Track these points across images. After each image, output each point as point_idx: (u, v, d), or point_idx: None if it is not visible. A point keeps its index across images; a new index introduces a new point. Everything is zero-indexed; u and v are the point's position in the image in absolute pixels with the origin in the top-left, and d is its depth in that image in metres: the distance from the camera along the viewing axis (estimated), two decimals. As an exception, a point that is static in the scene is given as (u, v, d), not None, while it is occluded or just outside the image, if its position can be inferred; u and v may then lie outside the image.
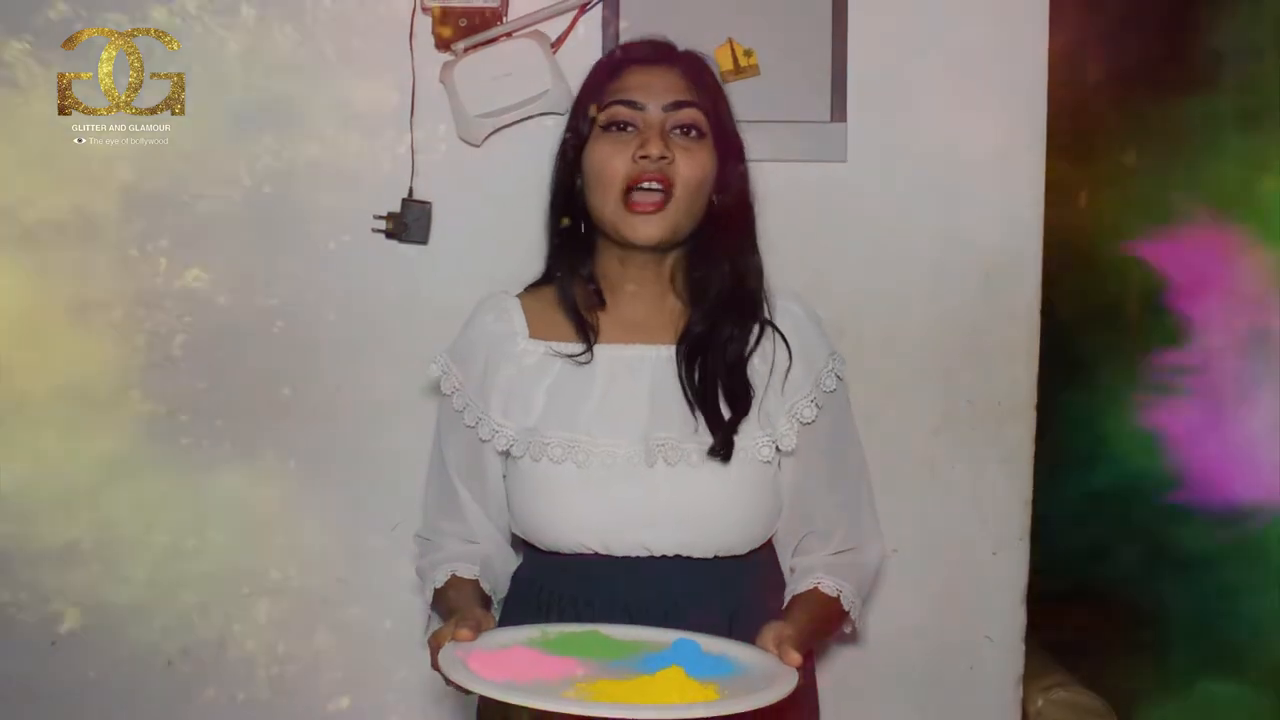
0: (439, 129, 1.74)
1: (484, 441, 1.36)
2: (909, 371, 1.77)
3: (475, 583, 1.35)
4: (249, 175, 1.77)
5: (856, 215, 1.76)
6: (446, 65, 1.72)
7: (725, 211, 1.38)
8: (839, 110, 1.73)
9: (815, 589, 1.33)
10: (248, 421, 1.79)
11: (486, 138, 1.74)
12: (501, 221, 1.74)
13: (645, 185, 1.31)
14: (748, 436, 1.31)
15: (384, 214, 1.75)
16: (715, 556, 1.32)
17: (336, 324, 1.78)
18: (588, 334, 1.36)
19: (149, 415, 1.79)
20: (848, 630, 1.41)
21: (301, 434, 1.79)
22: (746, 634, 1.21)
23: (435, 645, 1.16)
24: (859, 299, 1.75)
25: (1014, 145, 1.74)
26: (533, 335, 1.38)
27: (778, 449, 1.33)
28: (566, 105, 1.70)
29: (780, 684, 1.07)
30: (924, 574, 1.78)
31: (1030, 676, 1.87)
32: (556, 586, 1.34)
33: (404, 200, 1.75)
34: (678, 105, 1.33)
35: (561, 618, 1.30)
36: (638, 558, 1.30)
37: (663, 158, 1.30)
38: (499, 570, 1.42)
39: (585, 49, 1.70)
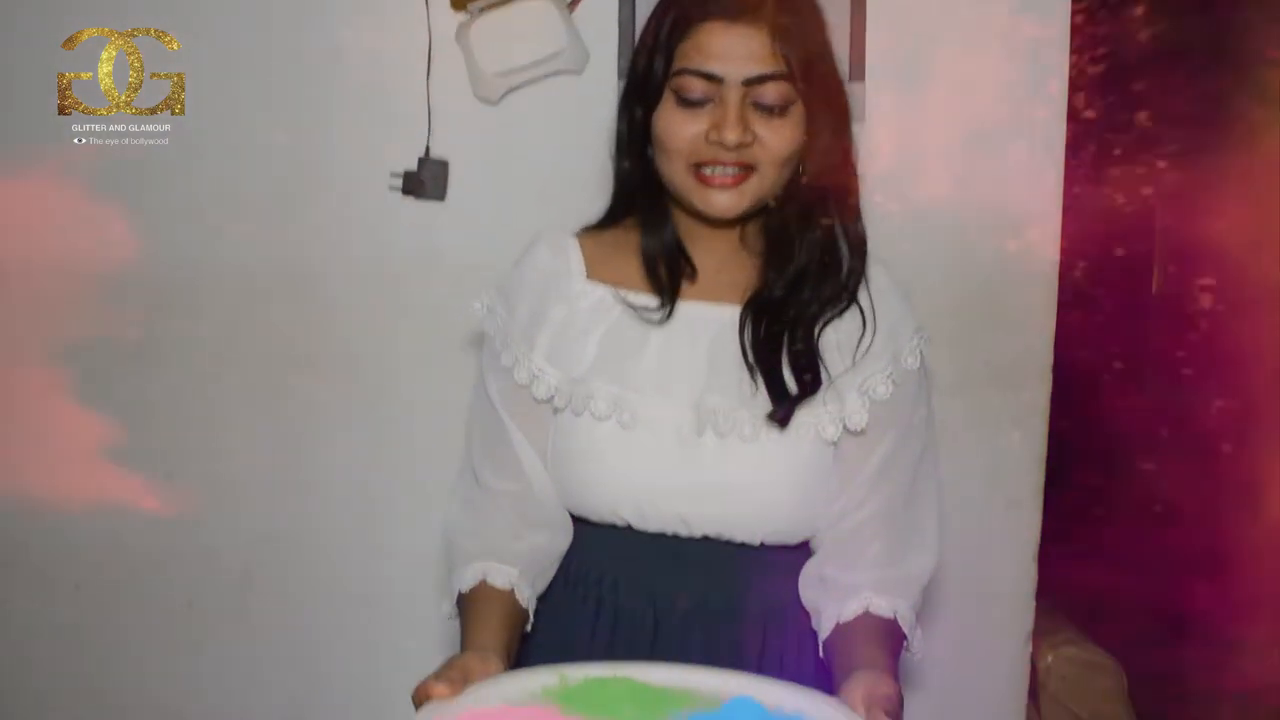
0: (455, 87, 1.74)
1: (522, 386, 1.19)
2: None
3: (509, 594, 1.15)
4: (267, 134, 1.79)
5: (874, 175, 1.73)
6: (463, 25, 1.71)
7: (819, 178, 1.17)
8: (857, 70, 1.71)
9: (868, 614, 1.14)
10: (266, 377, 1.83)
11: (503, 96, 1.74)
12: (518, 178, 1.75)
13: (720, 168, 1.13)
14: (811, 411, 1.15)
15: (401, 171, 1.76)
16: (760, 544, 1.17)
17: (355, 280, 1.80)
18: (664, 294, 1.19)
19: (169, 372, 1.83)
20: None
21: (321, 388, 1.82)
22: (785, 656, 1.15)
23: (417, 702, 0.96)
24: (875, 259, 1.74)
25: (1034, 106, 1.72)
26: (590, 277, 1.22)
27: (845, 428, 1.16)
28: (582, 64, 1.70)
29: None
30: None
31: (1040, 633, 1.89)
32: (582, 561, 1.22)
33: (421, 158, 1.76)
34: (762, 79, 1.10)
35: (585, 591, 1.20)
36: (671, 535, 1.17)
37: (741, 144, 1.11)
38: (548, 550, 1.21)
39: (602, 8, 1.69)
